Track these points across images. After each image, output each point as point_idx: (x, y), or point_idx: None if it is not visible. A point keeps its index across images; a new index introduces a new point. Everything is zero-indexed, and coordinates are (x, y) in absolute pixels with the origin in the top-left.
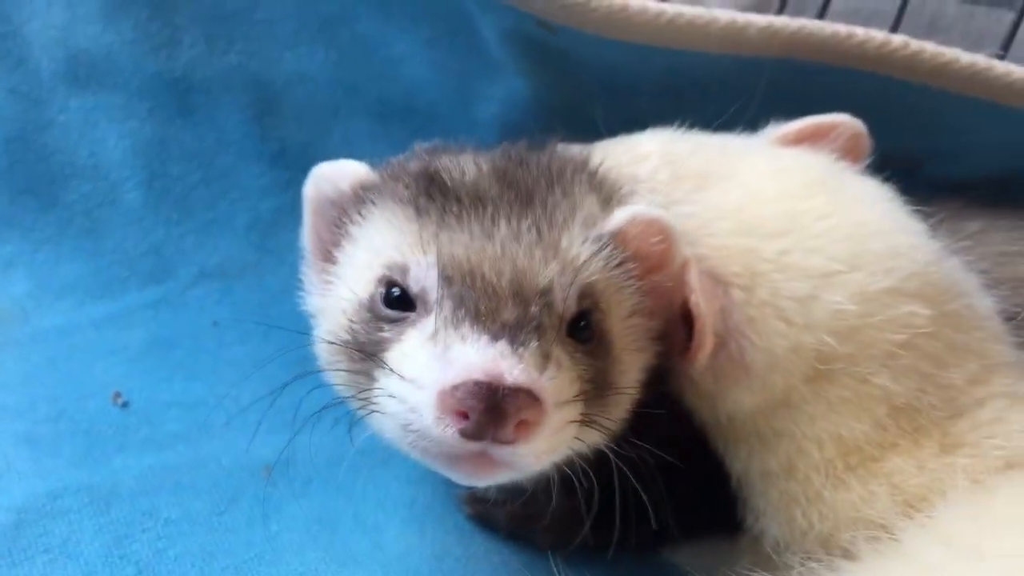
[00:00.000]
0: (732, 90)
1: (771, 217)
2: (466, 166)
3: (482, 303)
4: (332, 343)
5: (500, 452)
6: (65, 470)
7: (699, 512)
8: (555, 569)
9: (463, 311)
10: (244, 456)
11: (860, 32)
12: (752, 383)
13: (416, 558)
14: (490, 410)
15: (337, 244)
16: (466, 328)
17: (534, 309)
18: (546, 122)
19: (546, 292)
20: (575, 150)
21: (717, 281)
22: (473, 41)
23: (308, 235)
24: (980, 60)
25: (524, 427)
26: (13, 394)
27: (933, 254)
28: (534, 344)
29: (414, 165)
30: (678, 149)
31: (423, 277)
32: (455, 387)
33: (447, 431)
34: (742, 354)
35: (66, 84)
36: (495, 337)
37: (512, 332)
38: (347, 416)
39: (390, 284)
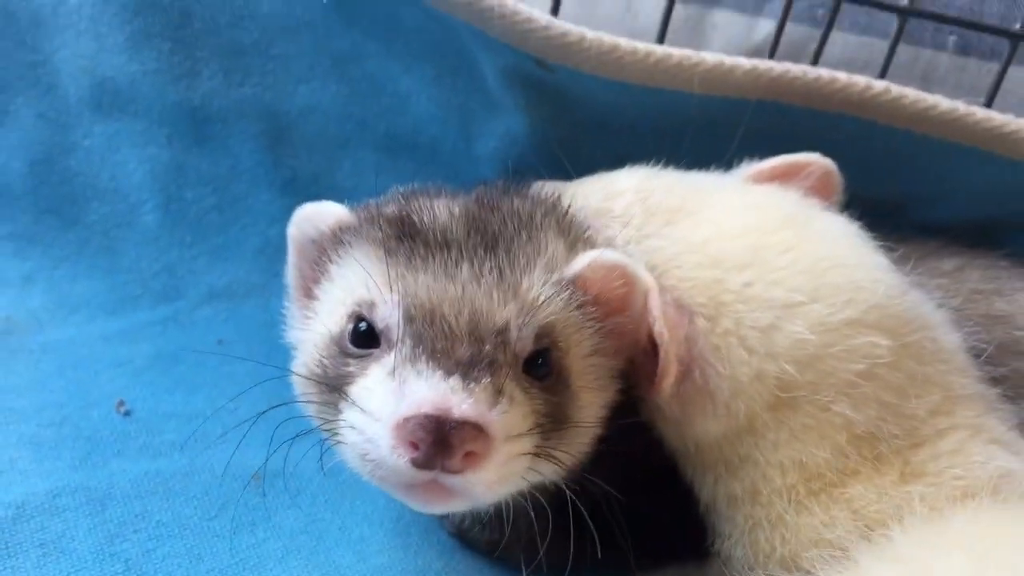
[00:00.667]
0: (720, 130)
1: (736, 251)
2: (437, 210)
3: (439, 341)
4: (302, 376)
5: (450, 481)
6: (65, 471)
7: (669, 537)
8: None
9: (421, 348)
10: (237, 466)
11: (843, 77)
12: (717, 410)
13: (397, 572)
14: (438, 441)
15: (317, 281)
16: (422, 364)
17: (488, 347)
18: (543, 157)
19: (502, 331)
20: (552, 188)
21: (683, 311)
22: (474, 79)
23: (291, 272)
24: (960, 106)
25: (472, 458)
26: (22, 398)
27: (895, 288)
28: (486, 380)
29: (389, 208)
30: (652, 186)
31: (388, 315)
32: (407, 419)
33: (400, 461)
34: (706, 382)
35: (91, 110)
36: (448, 373)
37: (465, 368)
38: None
39: (358, 320)
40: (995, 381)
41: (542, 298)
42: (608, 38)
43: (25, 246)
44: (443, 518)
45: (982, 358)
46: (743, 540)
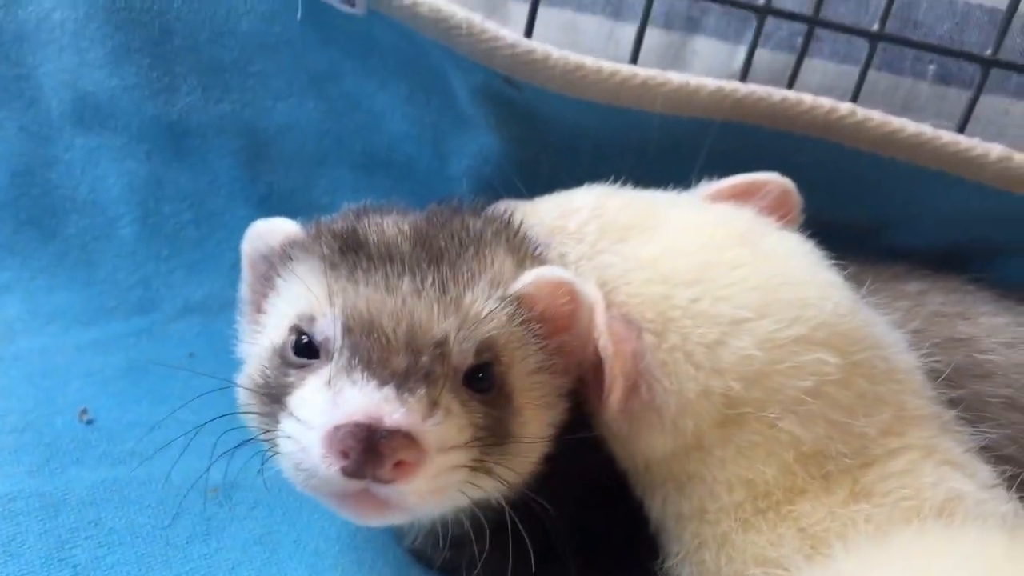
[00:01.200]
0: (688, 151)
1: (685, 267)
2: (384, 226)
3: (375, 352)
4: (245, 387)
5: (382, 491)
6: (21, 477)
7: (620, 555)
8: None
9: (357, 359)
10: (195, 478)
11: (808, 99)
12: (664, 426)
13: None
14: (368, 450)
15: (266, 296)
16: (357, 374)
17: (425, 359)
18: (514, 176)
19: (441, 343)
20: (510, 206)
21: (631, 326)
22: (447, 98)
23: (243, 287)
24: (927, 129)
25: (403, 468)
26: None
27: (845, 306)
28: (421, 391)
29: (337, 224)
30: (607, 203)
31: (327, 327)
32: (337, 427)
33: (330, 470)
34: (653, 397)
35: (72, 124)
36: (383, 383)
37: (400, 379)
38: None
39: (299, 332)
40: (953, 403)
41: (484, 312)
42: (574, 56)
43: (4, 256)
44: (399, 535)
45: (940, 380)
46: (690, 559)
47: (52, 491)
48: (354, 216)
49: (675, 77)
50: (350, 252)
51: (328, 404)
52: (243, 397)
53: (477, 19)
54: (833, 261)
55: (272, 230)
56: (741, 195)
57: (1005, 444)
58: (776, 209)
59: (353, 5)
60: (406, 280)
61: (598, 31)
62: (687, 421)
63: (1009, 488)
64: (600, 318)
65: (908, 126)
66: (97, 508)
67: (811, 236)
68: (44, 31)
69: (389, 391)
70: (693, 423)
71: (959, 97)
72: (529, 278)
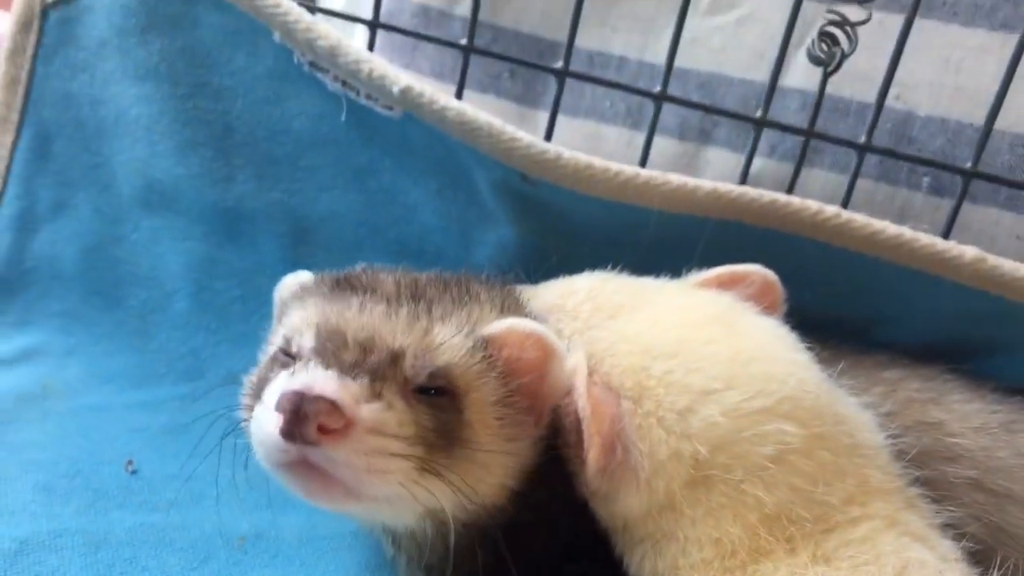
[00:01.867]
0: (687, 245)
1: (664, 342)
2: (380, 272)
3: (334, 350)
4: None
5: (313, 455)
6: (69, 516)
7: None
8: None
9: (318, 355)
10: (224, 526)
11: (797, 201)
12: (639, 486)
13: None
14: (295, 411)
15: None
16: (313, 363)
17: (375, 358)
18: (530, 266)
19: (397, 354)
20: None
21: (611, 393)
22: (471, 193)
23: (272, 329)
24: (906, 231)
25: (328, 434)
26: (44, 452)
27: (811, 383)
28: (364, 380)
29: (342, 271)
30: (603, 287)
31: (303, 337)
32: (281, 395)
33: (272, 432)
34: (629, 458)
35: (140, 207)
36: (330, 367)
37: (347, 368)
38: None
39: (286, 342)
40: (919, 482)
41: (447, 343)
42: (583, 157)
43: (70, 323)
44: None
45: (907, 460)
46: None
47: (95, 530)
48: (361, 269)
49: (675, 178)
50: (343, 287)
51: (282, 382)
52: (243, 402)
53: (497, 122)
54: (812, 346)
55: (293, 279)
56: (726, 284)
57: (968, 522)
58: (759, 299)
59: (391, 109)
60: (381, 306)
61: (618, 139)
62: (659, 481)
63: (971, 564)
64: (581, 383)
65: (889, 228)
66: (134, 548)
67: (804, 330)
68: (121, 125)
69: (332, 372)
70: (664, 483)
71: (951, 207)
72: (501, 324)
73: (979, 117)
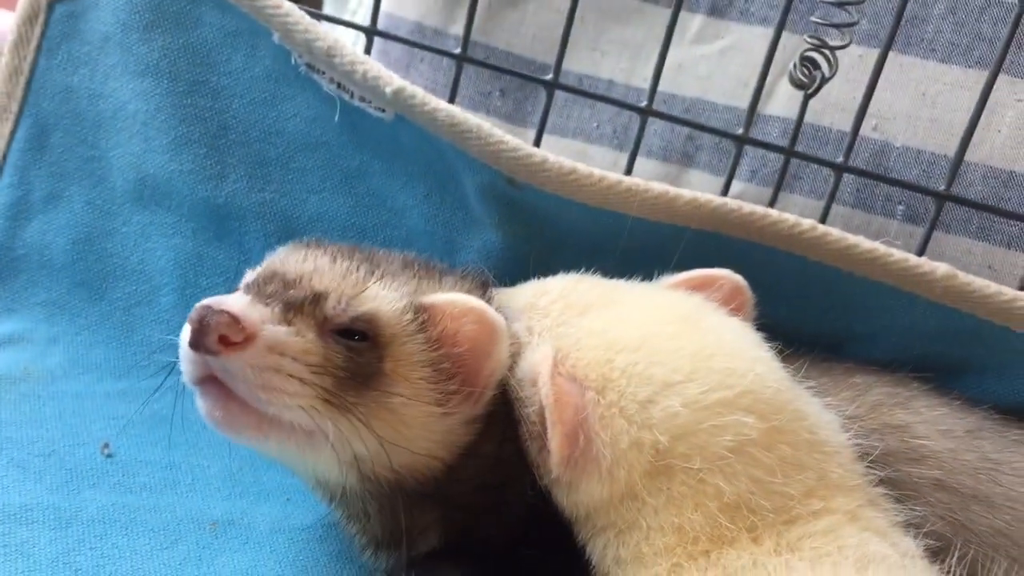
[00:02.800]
0: (667, 253)
1: (629, 336)
2: (359, 245)
3: (260, 282)
4: None
5: (213, 364)
6: (41, 493)
7: None
8: None
9: (245, 288)
10: (197, 511)
11: (774, 213)
12: (601, 475)
13: None
14: (200, 320)
15: None
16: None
17: (294, 292)
18: (514, 271)
19: (320, 295)
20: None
21: (576, 384)
22: (459, 198)
23: None
24: (880, 247)
25: (228, 345)
26: (20, 431)
27: (771, 378)
28: (278, 307)
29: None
30: (575, 287)
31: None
32: (193, 310)
33: (184, 344)
34: (590, 447)
35: (132, 202)
36: (247, 293)
37: (265, 296)
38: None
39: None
40: (883, 482)
41: (377, 295)
42: (568, 162)
43: (55, 312)
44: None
45: (872, 460)
46: None
47: (66, 507)
48: None
49: (656, 186)
50: (307, 245)
51: None
52: None
53: (486, 126)
54: (784, 352)
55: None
56: (696, 287)
57: (933, 520)
58: (728, 302)
59: (383, 111)
60: (326, 259)
61: (604, 159)
62: (620, 471)
63: (933, 561)
64: (545, 373)
65: (863, 243)
66: (104, 526)
67: (778, 342)
68: (119, 120)
69: (246, 296)
70: (626, 472)
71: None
72: (442, 296)
73: (953, 149)
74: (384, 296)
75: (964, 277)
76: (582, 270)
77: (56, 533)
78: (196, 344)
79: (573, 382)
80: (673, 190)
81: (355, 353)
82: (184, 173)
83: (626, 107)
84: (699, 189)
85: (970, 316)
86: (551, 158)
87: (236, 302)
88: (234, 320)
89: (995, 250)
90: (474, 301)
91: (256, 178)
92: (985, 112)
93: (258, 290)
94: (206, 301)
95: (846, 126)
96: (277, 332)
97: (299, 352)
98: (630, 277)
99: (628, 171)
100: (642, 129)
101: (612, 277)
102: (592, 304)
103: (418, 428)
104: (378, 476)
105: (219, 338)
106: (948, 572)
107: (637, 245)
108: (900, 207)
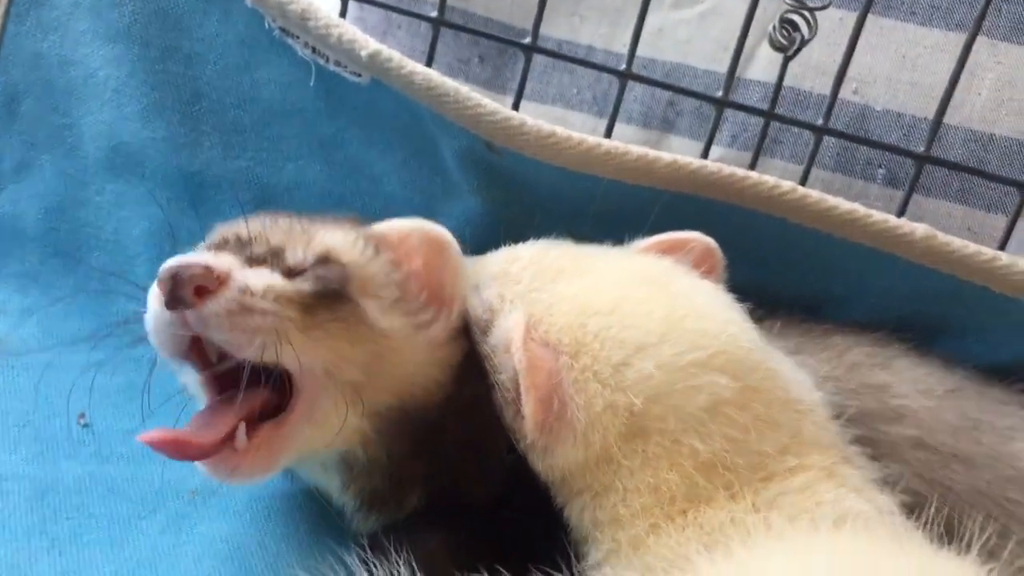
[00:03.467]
0: (649, 217)
1: (601, 301)
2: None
3: (218, 242)
4: None
5: (193, 318)
6: (17, 463)
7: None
8: None
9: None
10: (176, 480)
11: (754, 175)
12: (576, 439)
13: None
14: (173, 277)
15: None
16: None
17: (255, 248)
18: (494, 238)
19: (278, 249)
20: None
21: (549, 349)
22: (438, 164)
23: None
24: (859, 208)
25: (203, 293)
26: None
27: (743, 339)
28: (241, 258)
29: None
30: (546, 253)
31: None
32: (159, 272)
33: (157, 308)
34: (565, 411)
35: (105, 170)
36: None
37: (223, 250)
38: None
39: None
40: (860, 441)
41: (329, 236)
42: (547, 125)
43: (29, 283)
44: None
45: (847, 419)
46: (607, 561)
47: (43, 477)
48: None
49: (636, 149)
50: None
51: None
52: None
53: (464, 89)
54: (762, 314)
55: None
56: (667, 250)
57: (909, 479)
58: (699, 265)
59: (359, 75)
60: (268, 220)
61: (583, 125)
62: (595, 434)
63: (909, 516)
64: (518, 338)
65: (843, 204)
66: (82, 496)
67: (758, 305)
68: (90, 87)
69: (206, 250)
70: (600, 436)
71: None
72: (385, 224)
73: (933, 112)
74: (334, 235)
75: (943, 237)
76: (562, 235)
77: (32, 503)
78: (173, 300)
79: (546, 347)
80: (653, 153)
81: (322, 277)
82: (157, 141)
83: (605, 71)
84: (680, 154)
85: (950, 277)
86: (529, 121)
87: (201, 256)
88: (207, 269)
89: (974, 213)
90: (416, 221)
91: (231, 146)
92: (965, 75)
93: (214, 247)
94: (170, 262)
95: (826, 90)
96: (246, 274)
97: (268, 289)
98: (609, 241)
99: (608, 136)
100: (621, 93)
101: (592, 241)
102: (564, 270)
103: (399, 342)
104: (382, 406)
105: (195, 289)
106: (924, 527)
107: (616, 209)
108: (880, 170)
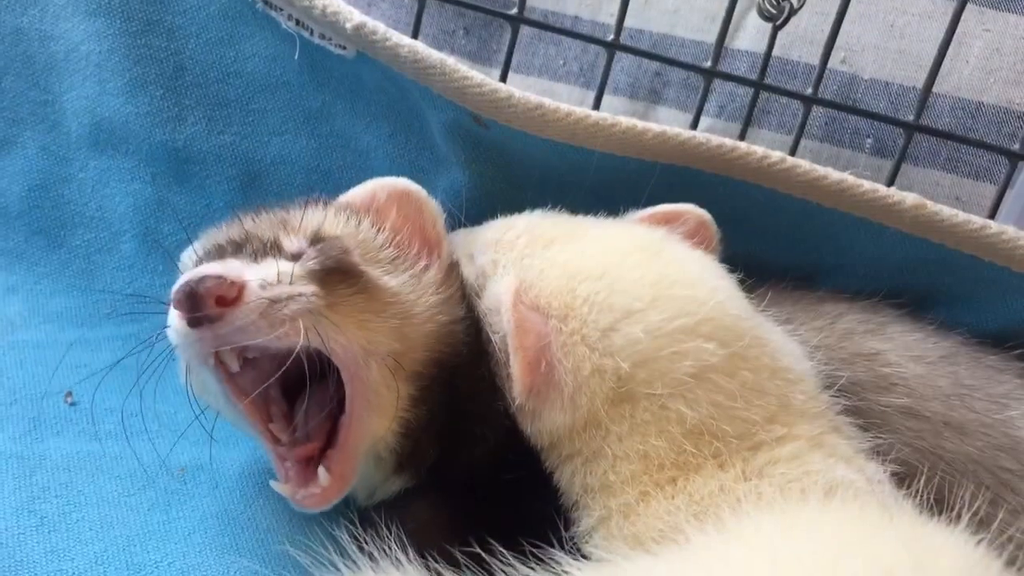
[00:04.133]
0: (638, 189)
1: (591, 267)
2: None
3: (212, 251)
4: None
5: (221, 331)
6: (4, 442)
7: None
8: None
9: (201, 260)
10: (165, 457)
11: (743, 146)
12: (564, 403)
13: (293, 559)
14: (190, 295)
15: None
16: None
17: (251, 246)
18: (482, 212)
19: (274, 241)
20: (464, 232)
21: (538, 313)
22: (424, 137)
23: None
24: (848, 177)
25: (226, 304)
26: None
27: (731, 306)
28: (244, 258)
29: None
30: (541, 222)
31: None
32: (172, 294)
33: (180, 327)
34: (553, 374)
35: (88, 147)
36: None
37: (224, 255)
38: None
39: None
40: (850, 411)
41: (307, 217)
42: (534, 97)
43: (13, 261)
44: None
45: (838, 389)
46: (598, 528)
47: (30, 455)
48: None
49: (624, 120)
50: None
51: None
52: None
53: (450, 61)
54: (754, 283)
55: None
56: (661, 223)
57: (900, 448)
58: (693, 237)
59: (344, 48)
60: (250, 219)
61: (570, 96)
62: (583, 397)
63: (899, 487)
64: (507, 301)
65: (832, 174)
66: (70, 473)
67: (749, 275)
68: (72, 61)
69: (211, 261)
70: (588, 399)
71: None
72: (352, 191)
73: (921, 81)
74: (314, 214)
75: (933, 206)
76: (550, 207)
77: (20, 481)
78: (197, 319)
79: (536, 311)
80: (641, 124)
81: (323, 251)
82: (141, 116)
83: (592, 41)
84: (667, 125)
85: (939, 246)
86: (517, 93)
87: (209, 267)
88: (221, 279)
89: (963, 181)
90: (372, 181)
91: (215, 120)
92: (953, 43)
93: (210, 256)
94: (181, 280)
95: (814, 59)
96: (260, 270)
97: (285, 276)
98: (598, 213)
99: (596, 108)
100: (609, 63)
101: (580, 214)
102: (556, 238)
103: (412, 297)
104: (420, 365)
105: (215, 300)
106: (915, 496)
107: (605, 181)
108: (868, 140)
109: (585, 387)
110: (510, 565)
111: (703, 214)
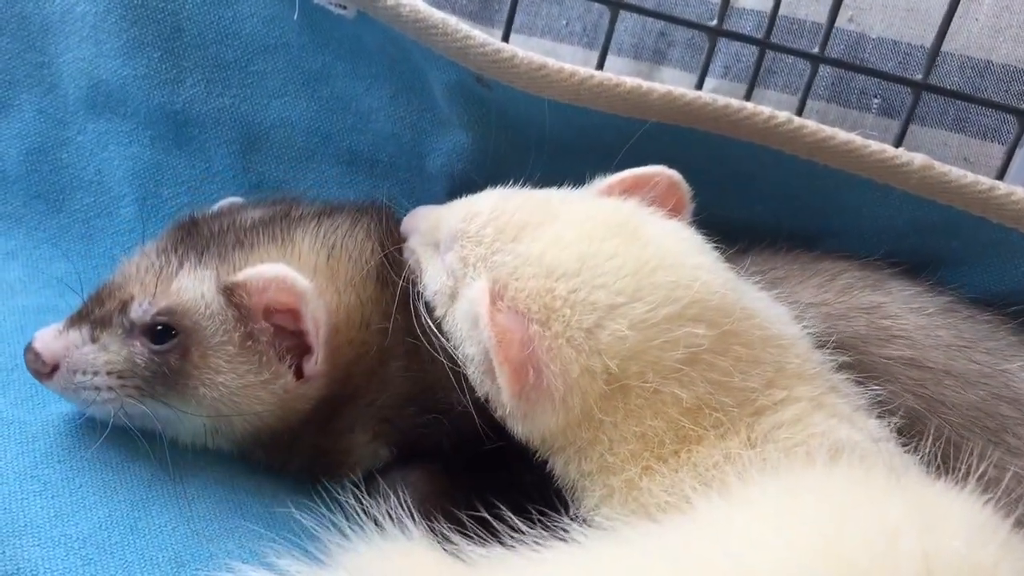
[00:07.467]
0: (643, 151)
1: (566, 260)
2: (216, 218)
3: (88, 302)
4: None
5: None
6: (5, 407)
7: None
8: None
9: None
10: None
11: (749, 107)
12: (556, 406)
13: (296, 520)
14: (24, 356)
15: None
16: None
17: (106, 307)
18: (484, 174)
19: (126, 302)
20: (426, 211)
21: (519, 318)
22: (427, 99)
23: None
24: (856, 138)
25: (47, 373)
26: None
27: (715, 283)
28: (85, 329)
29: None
30: (504, 206)
31: None
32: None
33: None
34: (541, 379)
35: (86, 109)
36: (65, 325)
37: (76, 321)
38: None
39: None
40: (849, 367)
41: (181, 287)
42: (538, 57)
43: (12, 226)
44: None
45: (836, 344)
46: (602, 505)
47: (32, 421)
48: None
49: (629, 80)
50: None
51: None
52: None
53: (452, 20)
54: (749, 247)
55: None
56: (630, 188)
57: (904, 396)
58: (665, 201)
59: (345, 8)
60: (148, 259)
61: (573, 57)
62: (574, 399)
63: (906, 437)
64: (484, 312)
65: (839, 134)
66: (73, 439)
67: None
68: (68, 23)
69: (57, 327)
70: (580, 400)
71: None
72: (245, 272)
73: (929, 39)
74: (187, 286)
75: (941, 167)
76: (556, 171)
77: (23, 447)
78: (36, 375)
79: (515, 316)
80: (646, 84)
81: (158, 354)
82: (138, 78)
83: (597, 0)
84: (673, 85)
85: (948, 207)
86: (520, 53)
87: (42, 338)
88: (36, 356)
89: (970, 141)
90: (274, 270)
91: (214, 82)
92: (962, 1)
93: (79, 314)
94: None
95: (821, 18)
96: (80, 355)
97: (102, 366)
98: (604, 174)
99: (599, 68)
100: (613, 21)
101: (585, 176)
102: (524, 225)
103: (247, 395)
104: (251, 427)
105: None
106: (921, 451)
107: (608, 143)
108: (876, 100)
109: (576, 388)
110: (518, 531)
111: (673, 174)
